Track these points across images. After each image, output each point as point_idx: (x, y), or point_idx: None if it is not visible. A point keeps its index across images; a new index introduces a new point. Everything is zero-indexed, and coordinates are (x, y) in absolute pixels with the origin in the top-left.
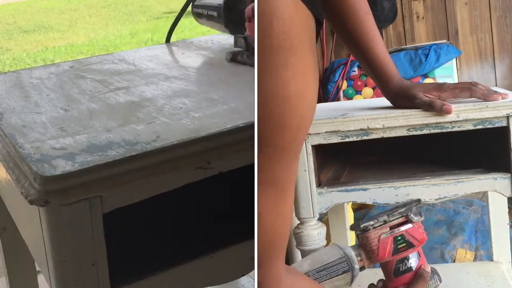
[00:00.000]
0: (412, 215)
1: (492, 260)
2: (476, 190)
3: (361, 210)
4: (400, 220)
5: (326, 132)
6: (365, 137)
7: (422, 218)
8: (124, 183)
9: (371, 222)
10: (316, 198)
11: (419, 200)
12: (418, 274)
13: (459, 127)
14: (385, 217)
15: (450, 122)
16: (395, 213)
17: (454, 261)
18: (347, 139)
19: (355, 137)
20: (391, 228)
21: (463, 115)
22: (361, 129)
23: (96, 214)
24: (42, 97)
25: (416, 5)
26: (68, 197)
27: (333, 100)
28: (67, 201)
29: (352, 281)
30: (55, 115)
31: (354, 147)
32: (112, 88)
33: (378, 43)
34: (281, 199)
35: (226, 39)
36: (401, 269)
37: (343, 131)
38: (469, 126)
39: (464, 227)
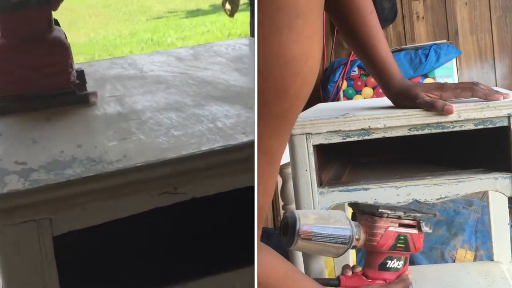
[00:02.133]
0: (423, 223)
1: (492, 260)
2: (477, 190)
3: None
4: (411, 222)
5: (327, 132)
6: (366, 137)
7: (430, 231)
8: (77, 205)
9: (388, 211)
10: (317, 198)
11: (435, 214)
12: (401, 277)
13: (460, 127)
14: (401, 213)
15: (451, 122)
16: (411, 214)
17: (454, 261)
18: (348, 139)
19: (356, 137)
20: (400, 225)
21: (464, 115)
22: (362, 129)
23: (45, 236)
24: None
25: (416, 5)
26: (13, 217)
27: (333, 100)
28: (12, 221)
29: (341, 254)
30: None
31: (355, 147)
32: (106, 96)
33: (381, 42)
34: (270, 172)
35: (248, 45)
36: (387, 266)
37: (344, 131)
38: (470, 126)
39: (464, 227)
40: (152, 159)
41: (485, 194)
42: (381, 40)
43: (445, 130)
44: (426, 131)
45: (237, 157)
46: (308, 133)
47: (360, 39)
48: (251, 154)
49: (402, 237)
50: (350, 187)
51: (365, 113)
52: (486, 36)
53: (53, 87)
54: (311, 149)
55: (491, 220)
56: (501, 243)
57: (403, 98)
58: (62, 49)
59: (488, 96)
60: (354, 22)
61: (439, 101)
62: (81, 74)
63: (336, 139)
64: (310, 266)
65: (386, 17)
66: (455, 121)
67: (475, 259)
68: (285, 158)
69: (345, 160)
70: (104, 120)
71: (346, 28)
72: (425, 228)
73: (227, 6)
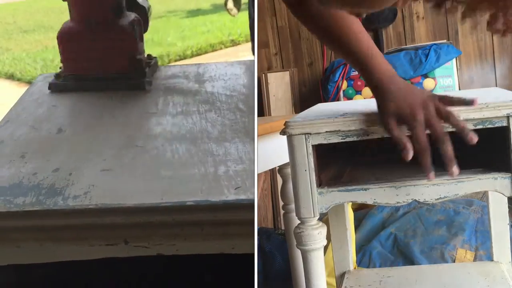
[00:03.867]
0: None
1: (492, 260)
2: (477, 190)
3: (361, 210)
4: None
5: (326, 132)
6: (365, 137)
7: None
8: (7, 240)
9: None
10: (316, 198)
11: None
12: None
13: None
14: None
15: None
16: None
17: (454, 261)
18: (347, 139)
19: (355, 137)
20: None
21: (464, 114)
22: (362, 129)
23: None
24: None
25: (416, 5)
26: None
27: (333, 100)
28: None
29: None
30: (25, 137)
31: (355, 147)
32: (140, 112)
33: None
34: None
35: None
36: None
37: (343, 131)
38: (470, 126)
39: (464, 227)
40: (110, 202)
41: (485, 194)
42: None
43: (444, 130)
44: (427, 131)
45: (209, 218)
46: (307, 133)
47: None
48: (228, 218)
49: None
50: (349, 187)
51: (365, 113)
52: (486, 36)
53: (111, 70)
54: (310, 149)
55: (491, 220)
56: (501, 243)
57: None
58: (124, 36)
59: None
60: (348, 43)
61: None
62: (139, 61)
63: (335, 139)
64: (310, 268)
65: (386, 17)
66: None
67: (475, 259)
68: (285, 158)
69: (345, 160)
70: (111, 142)
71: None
72: None
73: (229, 5)
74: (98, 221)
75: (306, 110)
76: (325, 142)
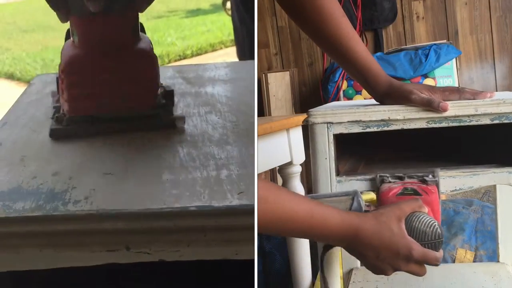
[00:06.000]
0: (426, 178)
1: (498, 261)
2: (491, 183)
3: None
4: (415, 181)
5: (348, 121)
6: (385, 128)
7: (436, 180)
8: (7, 246)
9: (387, 175)
10: (335, 186)
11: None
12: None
13: (477, 121)
14: (401, 175)
15: (468, 116)
16: (413, 175)
17: (454, 261)
18: (368, 129)
19: (375, 127)
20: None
21: (481, 109)
22: (382, 120)
23: None
24: None
25: (416, 5)
26: None
27: (333, 100)
28: None
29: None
30: (24, 139)
31: (370, 144)
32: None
33: (359, 43)
34: None
35: None
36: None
37: (364, 121)
38: (487, 121)
39: (464, 227)
40: (111, 207)
41: (485, 194)
42: (358, 41)
43: (462, 124)
44: (444, 124)
45: (212, 224)
46: (329, 122)
47: (337, 43)
48: (232, 223)
49: (408, 188)
50: (367, 177)
51: (385, 105)
52: (486, 36)
53: (135, 108)
54: (331, 138)
55: (498, 222)
56: (507, 244)
57: (394, 96)
58: (148, 63)
59: (476, 95)
60: (328, 28)
61: (435, 98)
62: (169, 94)
63: (356, 129)
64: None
65: (386, 17)
66: (472, 115)
67: (475, 259)
68: (286, 158)
69: (360, 156)
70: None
71: (321, 36)
72: (431, 180)
73: (228, 5)
74: (99, 226)
75: (323, 105)
76: (346, 131)
